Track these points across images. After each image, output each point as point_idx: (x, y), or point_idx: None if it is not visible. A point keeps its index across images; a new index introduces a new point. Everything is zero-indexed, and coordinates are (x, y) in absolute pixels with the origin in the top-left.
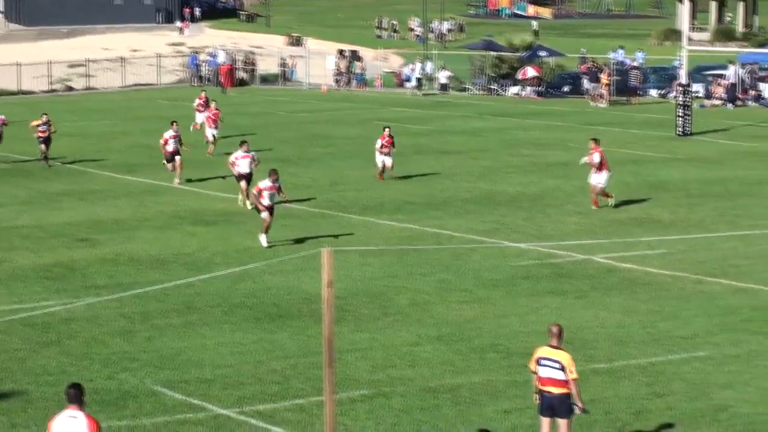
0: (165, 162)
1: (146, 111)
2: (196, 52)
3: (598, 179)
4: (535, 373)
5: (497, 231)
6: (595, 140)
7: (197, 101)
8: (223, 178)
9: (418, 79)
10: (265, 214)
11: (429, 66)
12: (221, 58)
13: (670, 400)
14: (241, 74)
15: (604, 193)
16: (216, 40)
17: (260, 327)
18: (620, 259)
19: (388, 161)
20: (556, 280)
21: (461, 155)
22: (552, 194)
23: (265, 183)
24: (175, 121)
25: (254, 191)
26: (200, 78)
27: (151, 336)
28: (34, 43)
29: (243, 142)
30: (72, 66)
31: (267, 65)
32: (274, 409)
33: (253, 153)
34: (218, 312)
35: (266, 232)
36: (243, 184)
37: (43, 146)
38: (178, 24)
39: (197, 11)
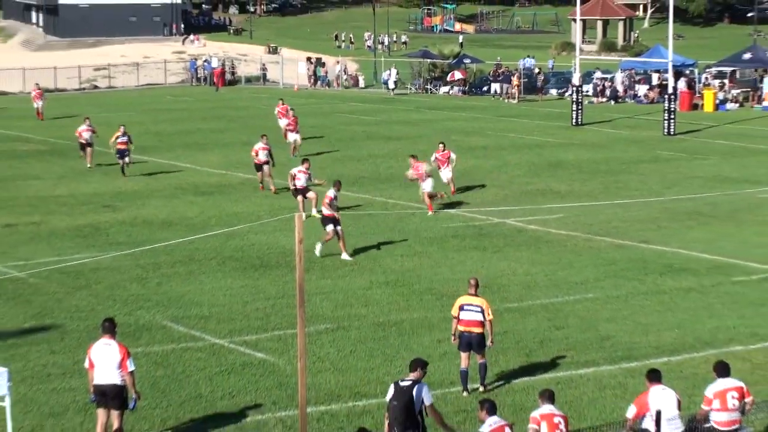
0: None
1: (156, 105)
2: (195, 59)
3: (425, 186)
4: (457, 317)
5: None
6: (414, 156)
7: (278, 108)
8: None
9: (395, 82)
10: (329, 228)
11: (395, 72)
12: (215, 63)
13: (566, 332)
14: (229, 76)
15: (434, 195)
16: (210, 49)
17: (246, 275)
18: (528, 222)
19: (447, 175)
20: (477, 238)
21: (403, 140)
22: (474, 171)
23: (331, 192)
24: (265, 135)
25: (326, 201)
26: (198, 79)
27: (161, 282)
28: (66, 51)
29: (305, 160)
30: (97, 69)
31: (250, 69)
32: (258, 339)
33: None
34: (213, 263)
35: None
36: (299, 197)
37: (121, 160)
38: (191, 37)
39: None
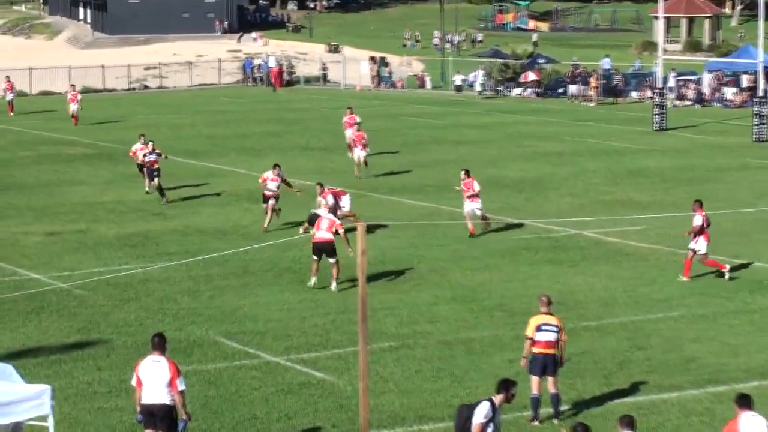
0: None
1: (209, 106)
2: (251, 58)
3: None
4: (532, 339)
5: (503, 209)
6: (466, 171)
7: (345, 118)
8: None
9: (482, 84)
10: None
11: (482, 74)
12: (272, 62)
13: (648, 352)
14: (287, 76)
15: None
16: (267, 48)
17: (305, 288)
18: (606, 234)
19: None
20: (552, 251)
21: (472, 145)
22: (548, 179)
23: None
24: (278, 165)
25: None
26: (254, 79)
27: (214, 295)
28: (116, 49)
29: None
30: (147, 68)
31: (310, 69)
32: (317, 357)
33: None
34: (270, 275)
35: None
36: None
37: (152, 181)
38: (253, 35)
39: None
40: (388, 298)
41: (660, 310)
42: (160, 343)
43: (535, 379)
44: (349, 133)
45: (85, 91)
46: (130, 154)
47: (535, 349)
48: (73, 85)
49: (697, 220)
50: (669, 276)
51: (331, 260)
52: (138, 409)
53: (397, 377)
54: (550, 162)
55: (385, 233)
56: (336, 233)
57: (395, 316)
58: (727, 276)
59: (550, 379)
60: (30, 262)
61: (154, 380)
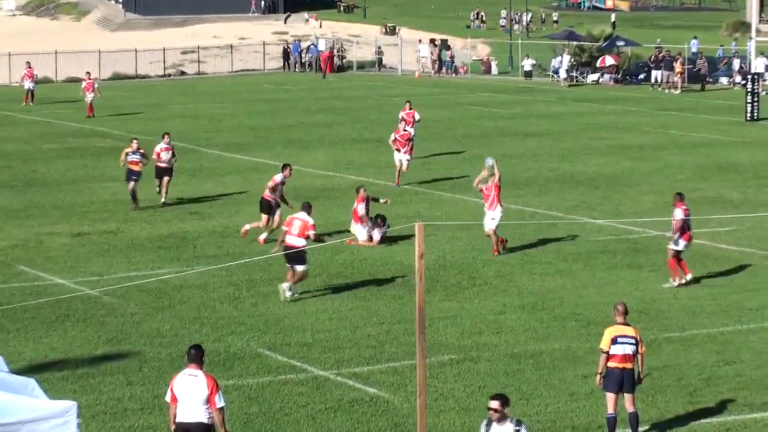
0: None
1: (252, 94)
2: (299, 40)
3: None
4: (607, 352)
5: (577, 208)
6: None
7: (402, 113)
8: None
9: (567, 71)
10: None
11: (567, 59)
12: (321, 45)
13: (738, 367)
14: (338, 61)
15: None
16: (315, 29)
17: (356, 295)
18: (693, 236)
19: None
20: (631, 255)
21: (543, 137)
22: (628, 175)
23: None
24: (289, 165)
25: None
26: (302, 64)
27: (257, 302)
28: (150, 31)
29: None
30: (185, 52)
31: (363, 53)
32: (370, 371)
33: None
34: (318, 281)
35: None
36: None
37: (130, 183)
38: (306, 16)
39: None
40: (449, 306)
41: (752, 320)
42: (196, 356)
43: (611, 397)
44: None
45: (116, 77)
46: (153, 156)
47: (611, 364)
48: (88, 72)
49: (678, 215)
50: (762, 282)
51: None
52: (172, 427)
53: (458, 394)
54: (630, 156)
55: (446, 234)
56: (308, 238)
57: (456, 326)
58: (675, 283)
59: (627, 397)
60: (55, 265)
61: (190, 396)
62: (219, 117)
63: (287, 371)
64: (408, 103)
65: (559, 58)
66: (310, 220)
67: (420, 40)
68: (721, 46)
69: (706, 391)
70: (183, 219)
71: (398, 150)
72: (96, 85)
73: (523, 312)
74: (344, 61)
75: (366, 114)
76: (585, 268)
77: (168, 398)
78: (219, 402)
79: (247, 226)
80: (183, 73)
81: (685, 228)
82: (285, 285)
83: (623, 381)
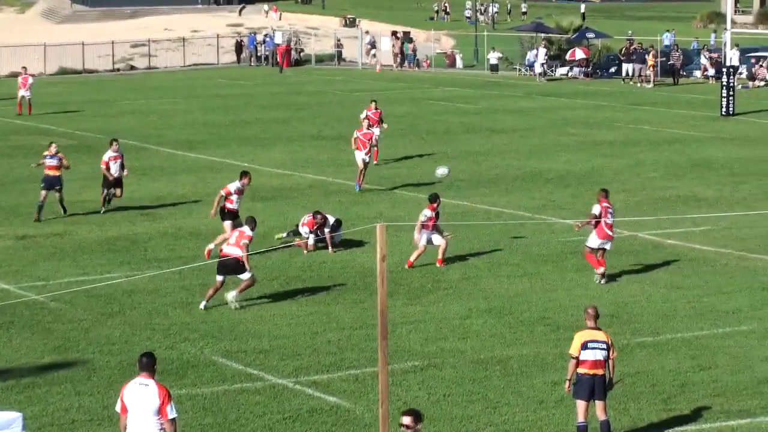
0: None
1: (206, 90)
2: (254, 33)
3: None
4: (577, 358)
5: (545, 208)
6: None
7: (368, 112)
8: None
9: (543, 65)
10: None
11: (543, 53)
12: (278, 38)
13: (714, 372)
14: (296, 54)
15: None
16: (273, 21)
17: (315, 300)
18: (665, 236)
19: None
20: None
21: (510, 134)
22: (599, 172)
23: (248, 231)
24: (248, 174)
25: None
26: (258, 58)
27: (211, 307)
28: (98, 24)
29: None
30: (135, 46)
31: (322, 46)
32: (330, 379)
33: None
34: (275, 285)
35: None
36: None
37: (47, 191)
38: (265, 8)
39: None
40: (412, 310)
41: (728, 323)
42: (148, 364)
43: (581, 404)
44: (375, 133)
45: (63, 72)
46: (102, 166)
47: (581, 370)
48: (24, 68)
49: (595, 210)
50: (738, 284)
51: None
52: None
53: (422, 402)
54: (601, 153)
55: (409, 236)
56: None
57: (420, 331)
58: (597, 278)
59: (598, 404)
60: None
61: (141, 406)
62: (171, 113)
63: (243, 379)
64: (374, 102)
65: (534, 51)
66: (248, 231)
67: (367, 32)
68: (696, 38)
69: (680, 397)
70: (133, 221)
71: (359, 149)
72: (31, 81)
73: (489, 316)
74: (302, 54)
75: (325, 110)
76: (554, 270)
77: (118, 408)
78: (171, 413)
79: (211, 246)
80: (133, 67)
81: (601, 226)
82: (231, 295)
83: (594, 388)
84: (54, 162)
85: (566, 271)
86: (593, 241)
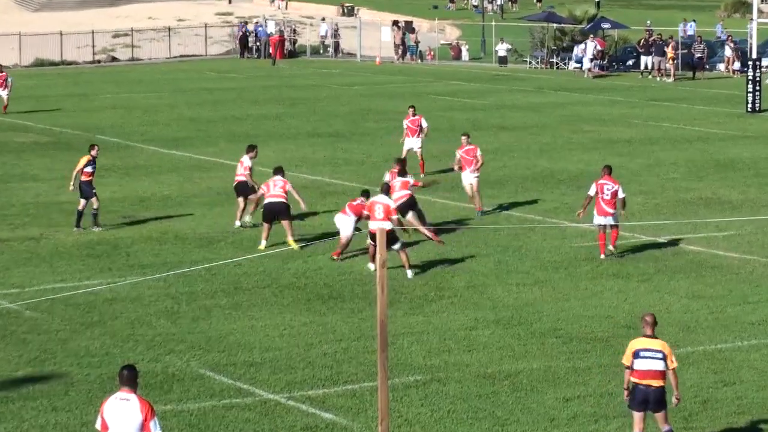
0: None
1: (193, 83)
2: (245, 22)
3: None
4: (630, 367)
5: (557, 210)
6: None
7: (407, 121)
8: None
9: (592, 60)
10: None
11: (591, 47)
12: (271, 28)
13: (738, 388)
14: (290, 45)
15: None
16: (265, 9)
17: (311, 309)
18: (687, 241)
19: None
20: (619, 262)
21: (520, 131)
22: (615, 173)
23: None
24: (254, 146)
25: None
26: (249, 49)
27: (198, 317)
28: (76, 12)
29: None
30: (116, 36)
31: (317, 36)
32: (325, 394)
33: None
34: (267, 293)
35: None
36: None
37: (84, 201)
38: None
39: None
40: (414, 320)
41: (753, 335)
42: (130, 378)
43: (635, 416)
44: (415, 144)
45: (39, 64)
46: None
47: (634, 379)
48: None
49: (591, 190)
50: (765, 293)
51: (395, 247)
52: None
53: (424, 419)
54: (617, 152)
55: (411, 241)
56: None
57: (423, 343)
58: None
59: (657, 417)
60: None
61: (122, 423)
62: (155, 108)
63: (232, 394)
64: (412, 108)
65: (582, 46)
66: (392, 204)
67: (323, 18)
68: (726, 29)
69: (702, 415)
70: (114, 224)
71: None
72: (10, 80)
73: (497, 327)
74: (296, 45)
75: (321, 105)
76: (566, 278)
77: (98, 425)
78: (154, 429)
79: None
80: (114, 59)
81: (599, 202)
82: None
83: (648, 399)
84: (91, 168)
85: (579, 278)
86: (595, 219)
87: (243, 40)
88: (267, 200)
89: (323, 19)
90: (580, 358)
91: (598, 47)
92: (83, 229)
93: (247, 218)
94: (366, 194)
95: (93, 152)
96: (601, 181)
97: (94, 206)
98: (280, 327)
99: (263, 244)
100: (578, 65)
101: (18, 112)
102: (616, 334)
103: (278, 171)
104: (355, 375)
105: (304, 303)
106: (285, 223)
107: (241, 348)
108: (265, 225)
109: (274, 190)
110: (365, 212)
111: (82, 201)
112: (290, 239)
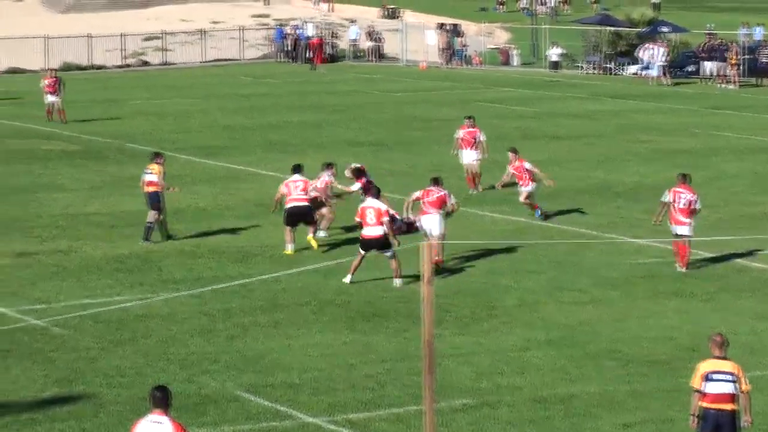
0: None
1: (228, 88)
2: (283, 25)
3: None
4: (699, 391)
5: (614, 225)
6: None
7: (462, 132)
8: None
9: (663, 67)
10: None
11: (662, 52)
12: (310, 31)
13: None
14: (330, 49)
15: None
16: (304, 12)
17: (352, 327)
18: (751, 258)
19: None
20: (679, 281)
21: (573, 141)
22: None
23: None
24: (332, 164)
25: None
26: (287, 53)
27: (234, 335)
28: (106, 13)
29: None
30: (147, 39)
31: (360, 39)
32: (368, 418)
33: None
34: (307, 310)
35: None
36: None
37: (155, 213)
38: None
39: None
40: (463, 341)
41: None
42: (162, 399)
43: None
44: (472, 158)
45: (66, 68)
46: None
47: (704, 404)
48: (52, 70)
49: (664, 197)
50: None
51: (386, 254)
52: None
53: None
54: (677, 163)
55: (459, 256)
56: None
57: (472, 364)
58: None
59: None
60: None
61: None
62: (188, 115)
63: (270, 417)
64: (469, 119)
65: (651, 50)
66: (383, 206)
67: (353, 20)
68: None
69: None
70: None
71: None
72: (61, 85)
73: (550, 348)
74: (337, 49)
75: (363, 112)
76: (624, 297)
77: None
78: None
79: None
80: (145, 63)
81: (671, 212)
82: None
83: (720, 424)
84: (155, 177)
85: (638, 297)
86: (672, 228)
87: (294, 46)
88: (289, 204)
89: (353, 22)
90: (639, 382)
91: (667, 54)
92: (153, 242)
93: (322, 233)
94: (436, 182)
95: (159, 160)
96: (677, 189)
97: (152, 218)
98: (320, 346)
99: (289, 248)
100: (645, 71)
101: (44, 118)
102: (678, 356)
103: (297, 169)
104: (400, 398)
105: (346, 321)
106: (309, 224)
107: (279, 368)
108: (287, 228)
109: (295, 192)
110: (404, 208)
111: (152, 212)
112: (311, 236)
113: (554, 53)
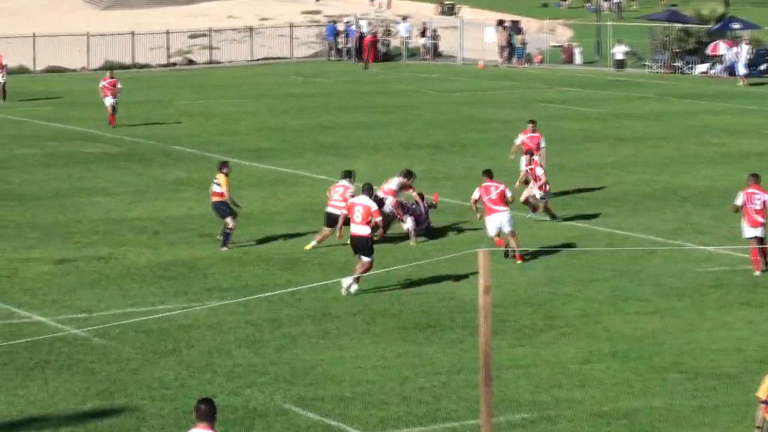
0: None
1: (277, 88)
2: (334, 22)
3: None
4: (765, 402)
5: (681, 231)
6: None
7: (523, 137)
8: None
9: (748, 66)
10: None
11: (746, 50)
12: (364, 28)
13: None
14: (383, 47)
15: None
16: (357, 8)
17: (406, 338)
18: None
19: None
20: (751, 290)
21: (639, 143)
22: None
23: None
24: (351, 172)
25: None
26: (339, 51)
27: (282, 346)
28: (149, 10)
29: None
30: (193, 36)
31: (414, 37)
32: None
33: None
34: (358, 320)
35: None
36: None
37: (231, 219)
38: None
39: None
40: (522, 352)
41: None
42: (207, 413)
43: None
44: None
45: (109, 67)
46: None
47: None
48: (110, 72)
49: (738, 199)
50: None
51: (364, 258)
52: None
53: None
54: (749, 166)
55: (518, 264)
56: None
57: (531, 377)
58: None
59: None
60: (33, 299)
61: None
62: (235, 116)
63: None
64: (531, 124)
65: (735, 50)
66: (373, 206)
67: (405, 17)
68: None
69: None
70: (191, 243)
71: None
72: (120, 86)
73: (613, 361)
74: (391, 47)
75: (418, 113)
76: (691, 307)
77: None
78: None
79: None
80: (191, 61)
81: (748, 212)
82: (347, 280)
83: None
84: (221, 188)
85: (706, 307)
86: (746, 231)
87: (359, 43)
88: (328, 208)
89: (404, 18)
90: (706, 396)
91: (626, 48)
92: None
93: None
94: (489, 174)
95: (224, 170)
96: (750, 190)
97: (231, 225)
98: (372, 358)
99: (312, 243)
100: (715, 70)
101: (85, 119)
102: (747, 369)
103: (346, 175)
104: (456, 412)
105: (399, 332)
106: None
107: (329, 381)
108: (325, 230)
109: (334, 197)
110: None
111: (229, 219)
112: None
113: (619, 51)
